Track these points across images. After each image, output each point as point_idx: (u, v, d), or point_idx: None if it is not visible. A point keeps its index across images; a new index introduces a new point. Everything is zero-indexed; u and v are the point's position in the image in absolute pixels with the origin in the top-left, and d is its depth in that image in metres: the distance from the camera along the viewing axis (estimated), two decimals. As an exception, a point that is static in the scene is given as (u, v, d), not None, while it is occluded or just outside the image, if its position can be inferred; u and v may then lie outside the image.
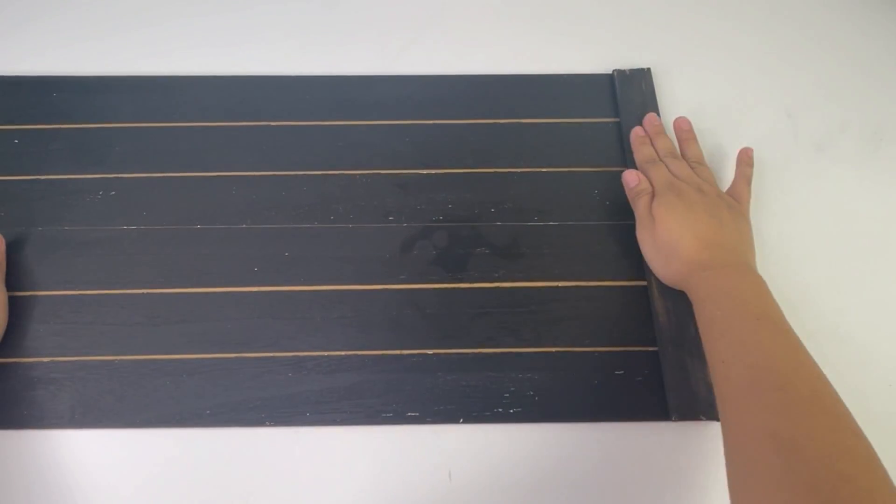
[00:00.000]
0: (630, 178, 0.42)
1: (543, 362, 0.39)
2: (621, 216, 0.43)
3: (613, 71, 0.48)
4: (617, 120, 0.46)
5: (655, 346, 0.39)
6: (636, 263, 0.42)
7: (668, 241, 0.38)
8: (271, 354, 0.39)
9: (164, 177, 0.44)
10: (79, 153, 0.45)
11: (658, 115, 0.46)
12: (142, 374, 0.38)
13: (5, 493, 0.35)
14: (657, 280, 0.41)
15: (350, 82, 0.48)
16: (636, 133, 0.44)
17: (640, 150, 0.43)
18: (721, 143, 0.46)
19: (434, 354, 0.39)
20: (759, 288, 0.35)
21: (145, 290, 0.41)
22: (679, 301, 0.40)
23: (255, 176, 0.44)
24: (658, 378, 0.38)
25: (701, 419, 0.37)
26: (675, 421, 0.37)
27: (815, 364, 0.32)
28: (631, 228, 0.43)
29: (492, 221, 0.43)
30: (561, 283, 0.41)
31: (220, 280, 0.41)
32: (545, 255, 0.42)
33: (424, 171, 0.45)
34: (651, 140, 0.44)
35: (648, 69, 0.48)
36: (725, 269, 0.36)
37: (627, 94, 0.47)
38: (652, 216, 0.40)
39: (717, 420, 0.37)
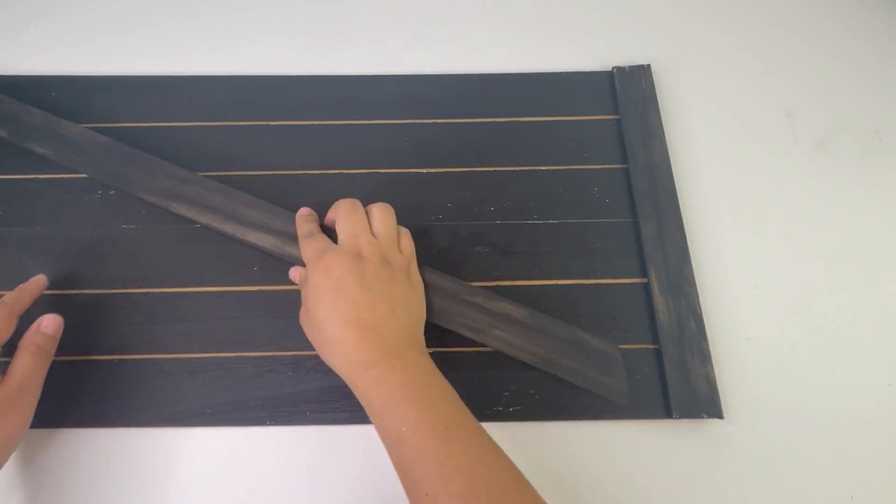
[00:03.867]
0: (293, 274, 0.39)
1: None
2: (621, 214, 0.43)
3: (613, 68, 0.48)
4: (617, 117, 0.46)
5: (657, 344, 0.39)
6: (636, 261, 0.42)
7: (321, 335, 0.33)
8: (271, 353, 0.39)
9: (163, 177, 0.44)
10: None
11: (658, 112, 0.46)
12: (142, 374, 0.38)
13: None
14: (659, 277, 0.40)
15: (350, 82, 0.48)
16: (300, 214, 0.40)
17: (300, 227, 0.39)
18: (721, 142, 0.46)
19: (433, 353, 0.39)
20: (435, 378, 0.32)
21: (145, 290, 0.41)
22: (680, 299, 0.40)
23: (254, 175, 0.44)
24: (659, 376, 0.38)
25: (703, 417, 0.37)
26: (676, 419, 0.37)
27: (513, 466, 0.30)
28: (631, 226, 0.43)
29: (491, 220, 0.43)
30: (561, 282, 0.41)
31: (220, 279, 0.41)
32: (545, 253, 0.42)
33: (424, 170, 0.45)
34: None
35: (648, 66, 0.48)
36: (389, 363, 0.31)
37: (627, 91, 0.47)
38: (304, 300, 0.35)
39: (720, 417, 0.37)
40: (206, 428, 0.37)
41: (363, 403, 0.32)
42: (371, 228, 0.36)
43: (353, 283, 0.33)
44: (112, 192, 0.44)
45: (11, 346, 0.35)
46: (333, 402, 0.38)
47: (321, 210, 0.40)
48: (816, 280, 0.42)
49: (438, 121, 0.46)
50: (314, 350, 0.39)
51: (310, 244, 0.36)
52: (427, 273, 0.39)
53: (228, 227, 0.41)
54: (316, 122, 0.46)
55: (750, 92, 0.48)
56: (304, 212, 0.40)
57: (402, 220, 0.43)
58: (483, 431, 0.31)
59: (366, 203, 0.38)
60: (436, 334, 0.39)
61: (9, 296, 0.36)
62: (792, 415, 0.38)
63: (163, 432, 0.37)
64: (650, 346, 0.39)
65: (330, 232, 0.39)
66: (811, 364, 0.39)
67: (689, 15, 0.51)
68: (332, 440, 0.37)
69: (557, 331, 0.38)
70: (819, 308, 0.41)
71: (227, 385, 0.38)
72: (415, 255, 0.38)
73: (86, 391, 0.38)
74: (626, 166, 0.44)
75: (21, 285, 0.38)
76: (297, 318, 0.40)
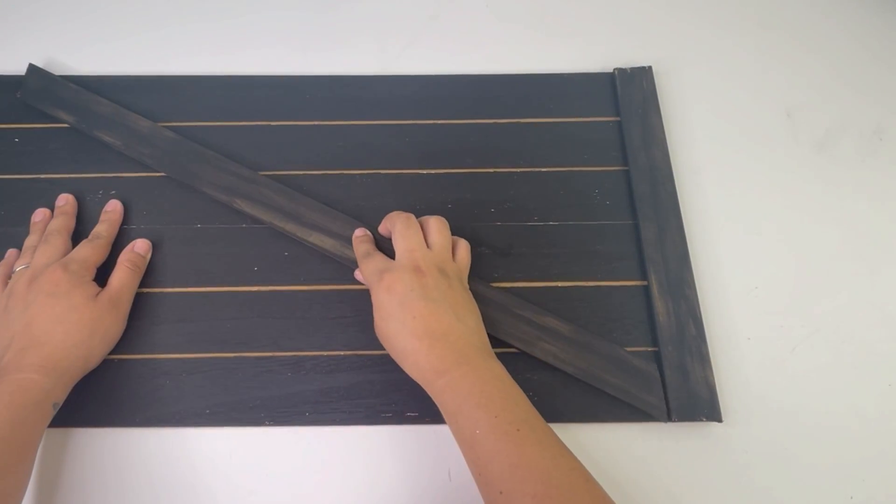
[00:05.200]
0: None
1: (543, 363, 0.38)
2: (622, 216, 0.43)
3: (614, 69, 0.48)
4: (618, 119, 0.46)
5: (656, 347, 0.39)
6: (636, 264, 0.42)
7: (394, 351, 0.35)
8: (271, 354, 0.39)
9: (163, 177, 0.44)
10: (78, 152, 0.45)
11: (659, 114, 0.46)
12: (142, 374, 0.39)
13: None
14: (658, 279, 0.40)
15: (350, 82, 0.48)
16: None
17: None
18: (721, 144, 0.46)
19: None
20: (505, 383, 0.33)
21: (145, 290, 0.41)
22: (680, 301, 0.40)
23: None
24: (659, 378, 0.38)
25: (702, 420, 0.37)
26: (675, 422, 0.37)
27: (582, 467, 0.31)
28: (631, 229, 0.43)
29: (491, 222, 0.43)
30: (560, 284, 0.41)
31: (219, 279, 0.41)
32: (544, 255, 0.42)
33: (424, 171, 0.45)
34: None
35: (650, 67, 0.48)
36: (460, 370, 0.33)
37: (628, 92, 0.47)
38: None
39: (718, 421, 0.37)
40: (205, 428, 0.37)
41: (439, 407, 0.34)
42: (427, 240, 0.38)
43: (416, 297, 0.34)
44: (113, 191, 0.44)
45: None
46: (332, 403, 0.38)
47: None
48: (816, 280, 0.42)
49: (439, 122, 0.46)
50: (313, 350, 0.39)
51: (369, 264, 0.37)
52: (480, 285, 0.39)
53: (290, 227, 0.41)
54: (316, 123, 0.46)
55: (750, 92, 0.48)
56: (359, 233, 0.41)
57: (402, 221, 0.43)
58: (553, 433, 0.32)
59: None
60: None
61: (103, 229, 0.41)
62: (791, 415, 0.38)
63: (162, 432, 0.37)
64: (650, 349, 0.39)
65: (385, 242, 0.40)
66: (811, 365, 0.39)
67: (691, 16, 0.51)
68: (332, 440, 0.37)
69: (600, 347, 0.38)
70: (819, 308, 0.41)
71: (226, 385, 0.38)
72: (469, 265, 0.39)
73: (87, 391, 0.37)
74: (626, 168, 0.44)
75: (106, 217, 0.42)
76: (296, 318, 0.40)
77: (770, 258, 0.42)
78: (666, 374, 0.38)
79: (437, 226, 0.38)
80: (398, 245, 0.37)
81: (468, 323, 0.35)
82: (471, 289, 0.39)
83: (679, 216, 0.42)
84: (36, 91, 0.46)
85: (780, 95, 0.48)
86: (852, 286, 0.42)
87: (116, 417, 0.37)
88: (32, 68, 0.47)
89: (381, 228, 0.41)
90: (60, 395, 0.35)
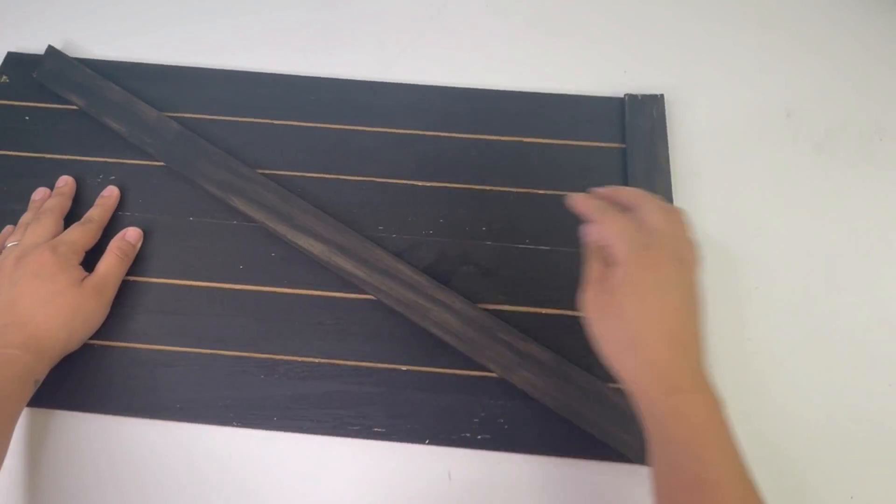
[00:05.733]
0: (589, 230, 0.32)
1: (517, 390, 0.37)
2: (616, 246, 0.42)
3: (625, 95, 0.47)
4: (623, 146, 0.45)
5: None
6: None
7: (626, 335, 0.29)
8: (247, 354, 0.39)
9: (163, 167, 0.44)
10: (85, 136, 0.46)
11: (666, 144, 0.44)
12: (118, 361, 0.39)
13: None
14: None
15: (355, 87, 0.48)
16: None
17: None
18: (721, 144, 0.46)
19: (407, 371, 0.38)
20: (728, 424, 0.28)
21: (131, 278, 0.41)
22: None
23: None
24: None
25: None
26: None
27: None
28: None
29: (482, 240, 0.42)
30: (543, 310, 0.40)
31: (205, 274, 0.41)
32: (531, 280, 0.41)
33: (420, 183, 0.44)
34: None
35: (661, 96, 0.46)
36: (695, 396, 0.28)
37: (636, 120, 0.45)
38: (608, 285, 0.30)
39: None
40: (173, 422, 0.37)
41: (650, 431, 0.29)
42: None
43: (678, 292, 0.29)
44: (112, 177, 0.44)
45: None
46: (302, 411, 0.37)
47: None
48: (816, 280, 0.41)
49: (440, 134, 0.46)
50: (289, 355, 0.39)
51: (627, 226, 0.30)
52: (462, 304, 0.39)
53: (281, 228, 0.41)
54: (319, 125, 0.46)
55: (750, 92, 0.48)
56: (580, 196, 0.33)
57: (392, 232, 0.42)
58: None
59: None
60: (413, 352, 0.39)
61: (95, 213, 0.42)
62: (791, 415, 0.38)
63: (130, 422, 0.37)
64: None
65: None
66: (811, 365, 0.39)
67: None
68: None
69: (580, 380, 0.37)
70: (819, 308, 0.40)
71: (199, 381, 0.38)
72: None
73: (62, 374, 0.38)
74: (626, 197, 0.43)
75: (101, 202, 0.43)
76: (275, 320, 0.40)
77: (770, 258, 0.42)
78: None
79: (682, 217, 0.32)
80: (656, 221, 0.30)
81: (704, 338, 0.29)
82: (452, 307, 0.38)
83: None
84: (51, 72, 0.47)
85: (780, 95, 0.48)
86: (852, 286, 0.41)
87: (87, 402, 0.38)
88: (51, 50, 0.48)
89: (606, 195, 0.33)
90: (41, 373, 0.35)
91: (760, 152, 0.46)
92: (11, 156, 0.45)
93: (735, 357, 0.39)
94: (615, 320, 0.29)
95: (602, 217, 0.31)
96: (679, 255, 0.30)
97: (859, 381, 0.39)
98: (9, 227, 0.42)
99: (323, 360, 0.39)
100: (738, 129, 0.46)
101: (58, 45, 0.49)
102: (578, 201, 0.33)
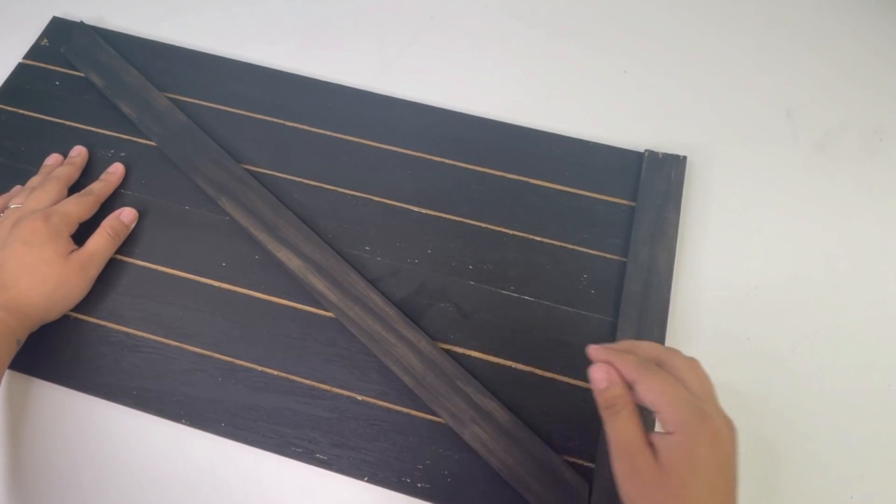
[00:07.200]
0: (598, 375, 0.29)
1: (468, 445, 0.36)
2: (603, 310, 0.39)
3: (645, 151, 0.44)
4: (633, 204, 0.42)
5: (593, 463, 0.36)
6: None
7: None
8: (209, 353, 0.39)
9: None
10: (107, 108, 0.47)
11: (678, 210, 0.42)
12: (90, 338, 0.39)
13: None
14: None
15: (371, 99, 0.47)
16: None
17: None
18: (721, 144, 0.45)
19: (362, 401, 0.37)
20: None
21: (116, 256, 0.41)
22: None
23: (252, 171, 0.44)
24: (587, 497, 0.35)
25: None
26: None
27: None
28: (609, 327, 0.39)
29: (465, 279, 0.41)
30: (515, 364, 0.38)
31: (186, 265, 0.41)
32: (509, 329, 0.39)
33: (415, 209, 0.43)
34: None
35: (684, 157, 0.43)
36: None
37: (652, 178, 0.43)
38: (657, 461, 0.26)
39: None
40: (126, 408, 0.38)
41: None
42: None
43: (733, 470, 0.27)
44: (123, 153, 0.45)
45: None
46: (250, 422, 0.37)
47: (310, 225, 0.39)
48: (816, 280, 0.41)
49: (446, 160, 0.44)
50: (249, 362, 0.38)
51: (677, 390, 0.27)
52: (428, 345, 0.37)
53: (262, 237, 0.41)
54: (327, 133, 0.46)
55: (750, 92, 0.47)
56: (603, 348, 0.30)
57: (376, 254, 0.41)
58: None
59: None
60: (373, 382, 0.38)
61: (97, 187, 0.42)
62: (791, 415, 0.37)
63: (87, 399, 0.38)
64: (587, 464, 0.36)
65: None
66: (811, 365, 0.39)
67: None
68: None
69: (534, 448, 0.35)
70: (819, 308, 0.40)
71: (158, 372, 0.38)
72: None
73: (34, 342, 0.39)
74: (624, 260, 0.41)
75: (106, 177, 0.43)
76: (243, 324, 0.39)
77: (770, 258, 0.42)
78: (595, 494, 0.34)
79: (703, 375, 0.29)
80: (691, 379, 0.28)
81: None
82: (417, 346, 0.36)
83: (664, 325, 0.38)
84: (78, 48, 0.48)
85: (780, 95, 0.47)
86: (852, 286, 0.41)
87: (52, 373, 0.38)
88: (81, 26, 0.49)
89: (625, 348, 0.30)
90: (22, 335, 0.36)
91: (761, 152, 0.45)
92: (35, 118, 0.47)
93: (735, 357, 0.39)
94: (672, 501, 0.26)
95: (646, 377, 0.27)
96: (729, 423, 0.27)
97: (859, 381, 0.38)
98: (17, 187, 0.43)
99: (280, 374, 0.38)
100: (738, 129, 0.46)
101: (99, 16, 0.50)
102: (610, 356, 0.29)
